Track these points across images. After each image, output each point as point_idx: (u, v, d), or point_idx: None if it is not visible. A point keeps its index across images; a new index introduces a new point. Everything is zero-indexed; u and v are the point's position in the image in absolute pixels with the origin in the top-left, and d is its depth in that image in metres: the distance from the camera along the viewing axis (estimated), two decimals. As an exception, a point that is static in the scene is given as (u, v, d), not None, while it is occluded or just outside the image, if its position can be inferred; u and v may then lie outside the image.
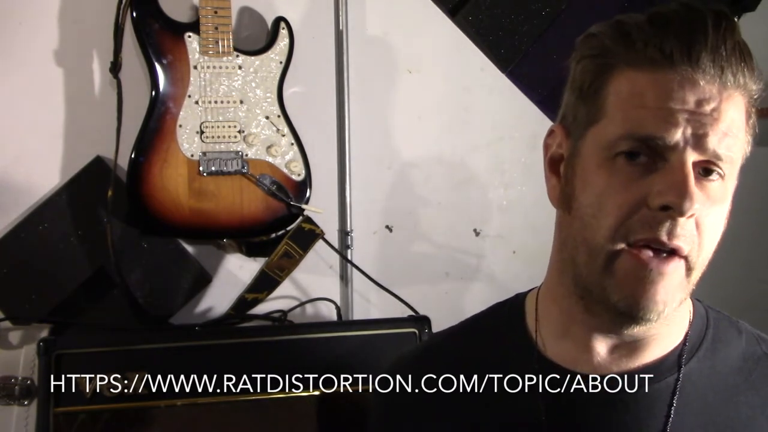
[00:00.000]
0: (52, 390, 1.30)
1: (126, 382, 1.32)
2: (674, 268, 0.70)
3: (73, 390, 1.31)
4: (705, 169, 0.70)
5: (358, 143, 1.68)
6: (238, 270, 1.62)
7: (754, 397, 0.79)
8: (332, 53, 1.66)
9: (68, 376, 1.31)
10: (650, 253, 0.70)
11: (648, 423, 0.77)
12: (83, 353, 1.33)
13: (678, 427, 0.77)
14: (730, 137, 0.70)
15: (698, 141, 0.68)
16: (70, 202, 1.50)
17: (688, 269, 0.72)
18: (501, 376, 0.85)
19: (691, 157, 0.69)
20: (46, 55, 1.49)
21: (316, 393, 1.39)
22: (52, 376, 1.31)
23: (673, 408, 0.77)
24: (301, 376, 1.39)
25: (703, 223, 0.70)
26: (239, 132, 1.48)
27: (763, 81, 0.73)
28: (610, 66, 0.73)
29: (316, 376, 1.39)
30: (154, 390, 1.33)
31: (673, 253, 0.70)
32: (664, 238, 0.69)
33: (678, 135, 0.68)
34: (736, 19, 0.71)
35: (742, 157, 0.73)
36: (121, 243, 1.50)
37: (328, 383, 1.40)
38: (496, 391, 0.85)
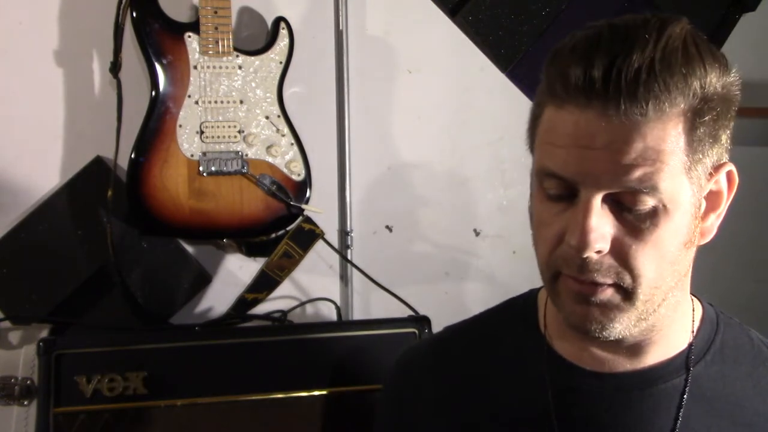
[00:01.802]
0: (52, 390, 1.30)
1: (126, 382, 1.33)
2: (603, 296, 0.71)
3: (73, 390, 1.31)
4: (619, 202, 0.68)
5: (358, 143, 1.68)
6: (238, 270, 1.62)
7: (760, 405, 0.79)
8: (332, 53, 1.66)
9: (68, 376, 1.31)
10: (576, 282, 0.72)
11: (654, 423, 0.78)
12: (83, 353, 1.33)
13: (685, 429, 0.77)
14: (647, 166, 0.66)
15: (600, 177, 0.67)
16: (70, 202, 1.50)
17: (626, 294, 0.71)
18: (513, 369, 0.87)
19: (598, 194, 0.68)
20: (46, 55, 1.49)
21: (316, 393, 1.39)
22: (52, 376, 1.31)
23: (681, 409, 0.77)
24: (300, 376, 1.39)
25: (630, 254, 0.69)
26: (239, 132, 1.48)
27: (714, 73, 0.68)
28: (543, 101, 0.73)
29: (316, 376, 1.40)
30: (154, 390, 1.33)
31: (594, 284, 0.71)
32: (575, 273, 0.71)
33: (577, 174, 0.68)
34: (674, 28, 0.68)
35: (687, 172, 0.68)
36: (121, 243, 1.50)
37: (328, 383, 1.40)
38: (506, 385, 0.86)
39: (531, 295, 0.92)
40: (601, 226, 0.68)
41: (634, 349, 0.79)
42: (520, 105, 1.78)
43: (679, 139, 0.67)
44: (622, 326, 0.73)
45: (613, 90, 0.65)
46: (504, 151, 1.80)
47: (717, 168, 0.72)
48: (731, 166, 0.73)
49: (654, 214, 0.69)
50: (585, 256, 0.68)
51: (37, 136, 1.50)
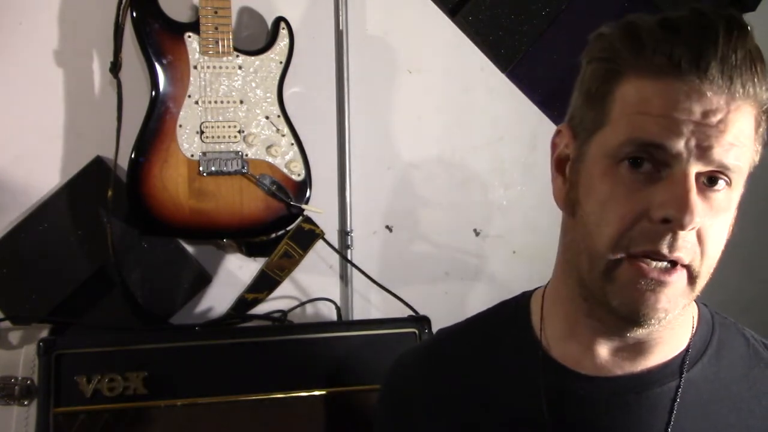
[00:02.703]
0: (52, 390, 1.30)
1: (126, 382, 1.33)
2: (676, 278, 0.70)
3: (73, 390, 1.31)
4: (710, 178, 0.69)
5: (358, 143, 1.68)
6: (238, 270, 1.62)
7: (756, 406, 0.79)
8: (332, 53, 1.66)
9: (68, 376, 1.31)
10: (651, 264, 0.70)
11: (649, 427, 0.77)
12: (83, 353, 1.33)
13: None
14: (737, 147, 0.68)
15: (703, 152, 0.68)
16: (70, 202, 1.50)
17: (691, 277, 0.71)
18: (506, 374, 0.86)
19: (695, 168, 0.68)
20: (46, 55, 1.49)
21: (316, 393, 1.39)
22: (52, 376, 1.31)
23: (673, 414, 0.77)
24: (300, 376, 1.39)
25: (706, 234, 0.70)
26: (239, 132, 1.48)
27: None
28: (618, 72, 0.72)
29: (316, 376, 1.40)
30: (154, 390, 1.33)
31: (674, 263, 0.70)
32: (665, 250, 0.69)
33: (681, 145, 0.67)
34: (749, 27, 0.71)
35: (749, 166, 0.72)
36: (121, 243, 1.50)
37: (328, 383, 1.40)
38: (500, 389, 0.85)
39: (523, 298, 0.91)
40: (699, 200, 0.68)
41: (641, 349, 0.78)
42: (520, 105, 1.79)
43: (756, 129, 0.71)
44: (679, 311, 0.73)
45: (727, 70, 0.67)
46: (504, 151, 1.80)
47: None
48: None
49: (727, 195, 0.71)
50: (688, 227, 0.67)
51: (37, 136, 1.49)
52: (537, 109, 1.79)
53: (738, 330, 0.85)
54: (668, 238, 0.68)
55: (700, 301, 0.85)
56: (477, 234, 1.80)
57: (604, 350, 0.79)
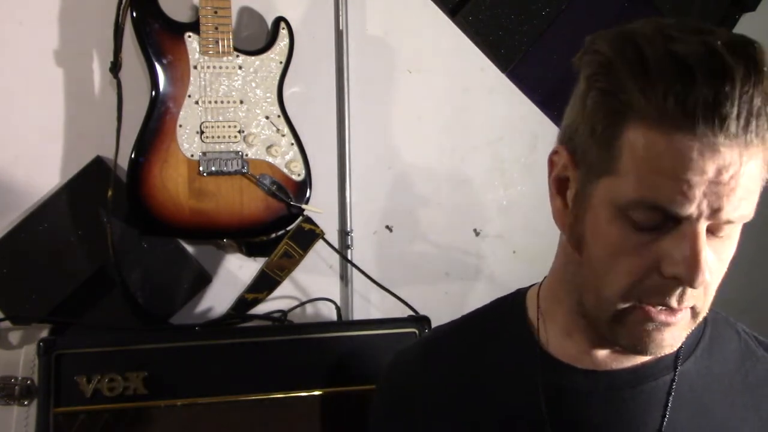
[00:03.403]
0: (52, 390, 1.30)
1: (126, 382, 1.33)
2: (680, 317, 0.71)
3: (73, 390, 1.31)
4: (729, 227, 0.69)
5: (358, 143, 1.68)
6: (238, 270, 1.62)
7: (749, 398, 0.80)
8: (332, 53, 1.66)
9: (68, 376, 1.31)
10: (657, 307, 0.70)
11: (645, 420, 0.78)
12: (83, 353, 1.33)
13: (673, 425, 0.78)
14: (746, 200, 0.66)
15: (714, 212, 0.65)
16: (70, 202, 1.50)
17: (694, 314, 0.73)
18: (502, 370, 0.86)
19: (704, 224, 0.66)
20: (46, 55, 1.49)
21: (316, 393, 1.39)
22: (52, 376, 1.31)
23: (668, 407, 0.78)
24: (300, 376, 1.39)
25: (713, 279, 0.71)
26: (239, 132, 1.48)
27: None
28: (625, 113, 0.67)
29: (316, 376, 1.40)
30: (154, 390, 1.33)
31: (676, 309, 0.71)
32: (674, 304, 0.69)
33: (693, 208, 0.65)
34: (766, 69, 0.64)
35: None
36: (121, 243, 1.50)
37: (328, 383, 1.40)
38: (497, 385, 0.86)
39: (519, 295, 0.92)
40: (708, 255, 0.67)
41: None
42: (520, 105, 1.79)
43: (765, 167, 0.68)
44: (681, 341, 0.74)
45: (743, 120, 0.63)
46: (504, 151, 1.80)
47: None
48: None
49: (733, 239, 0.70)
50: (699, 287, 0.67)
51: (37, 136, 1.49)
52: (537, 109, 1.79)
53: (730, 324, 0.86)
54: (678, 292, 0.69)
55: None
56: (477, 234, 1.80)
57: (602, 350, 0.81)
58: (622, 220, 0.69)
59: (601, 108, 0.70)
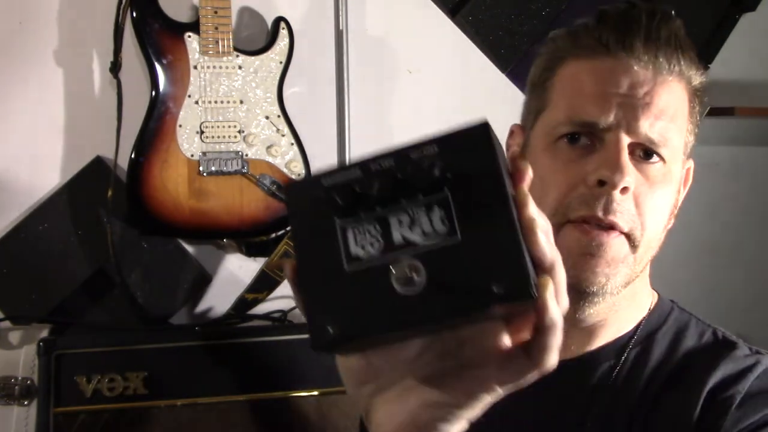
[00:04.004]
0: (52, 390, 1.30)
1: (126, 382, 1.33)
2: (616, 242, 0.72)
3: (73, 390, 1.31)
4: (645, 152, 0.74)
5: (358, 143, 1.68)
6: (238, 270, 1.62)
7: (684, 395, 0.76)
8: (332, 53, 1.66)
9: (68, 376, 1.31)
10: (588, 229, 0.72)
11: (584, 405, 0.77)
12: (83, 353, 1.33)
13: (598, 415, 0.76)
14: (663, 121, 0.73)
15: (630, 123, 0.72)
16: (70, 202, 1.50)
17: (633, 246, 0.73)
18: None
19: (626, 138, 0.72)
20: (46, 55, 1.49)
21: (316, 393, 1.39)
22: (52, 376, 1.31)
23: (603, 395, 0.77)
24: (300, 376, 1.39)
25: (644, 203, 0.73)
26: (239, 132, 1.48)
27: (704, 73, 0.77)
28: (558, 59, 0.78)
29: (316, 376, 1.39)
30: (154, 390, 1.33)
31: (612, 228, 0.72)
32: (599, 213, 0.71)
33: (611, 118, 0.72)
34: (673, 13, 0.78)
35: (685, 144, 0.77)
36: (121, 243, 1.50)
37: (328, 383, 1.40)
38: None
39: None
40: (632, 165, 0.72)
41: (588, 331, 0.78)
42: (520, 105, 1.78)
43: (685, 105, 0.75)
44: (621, 280, 0.74)
45: (650, 46, 0.73)
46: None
47: (688, 156, 0.79)
48: (692, 164, 0.80)
49: (663, 169, 0.74)
50: (620, 185, 0.70)
51: (37, 136, 1.49)
52: (537, 109, 1.79)
53: (697, 326, 0.82)
54: (603, 200, 0.71)
55: (667, 298, 0.85)
56: (477, 234, 1.80)
57: None
58: (553, 145, 0.76)
59: (540, 66, 0.81)
